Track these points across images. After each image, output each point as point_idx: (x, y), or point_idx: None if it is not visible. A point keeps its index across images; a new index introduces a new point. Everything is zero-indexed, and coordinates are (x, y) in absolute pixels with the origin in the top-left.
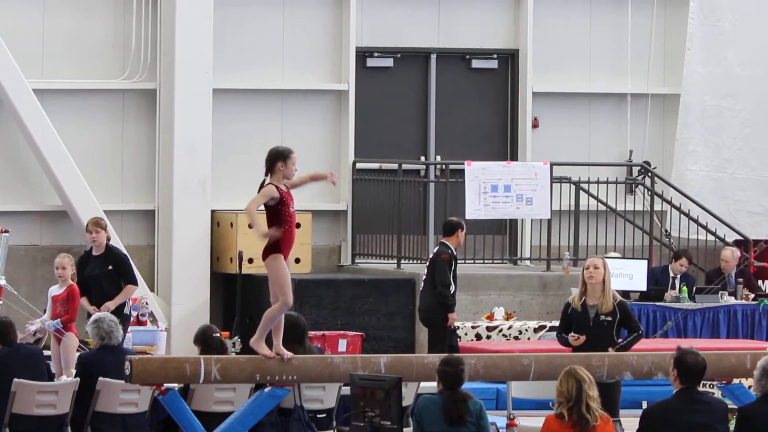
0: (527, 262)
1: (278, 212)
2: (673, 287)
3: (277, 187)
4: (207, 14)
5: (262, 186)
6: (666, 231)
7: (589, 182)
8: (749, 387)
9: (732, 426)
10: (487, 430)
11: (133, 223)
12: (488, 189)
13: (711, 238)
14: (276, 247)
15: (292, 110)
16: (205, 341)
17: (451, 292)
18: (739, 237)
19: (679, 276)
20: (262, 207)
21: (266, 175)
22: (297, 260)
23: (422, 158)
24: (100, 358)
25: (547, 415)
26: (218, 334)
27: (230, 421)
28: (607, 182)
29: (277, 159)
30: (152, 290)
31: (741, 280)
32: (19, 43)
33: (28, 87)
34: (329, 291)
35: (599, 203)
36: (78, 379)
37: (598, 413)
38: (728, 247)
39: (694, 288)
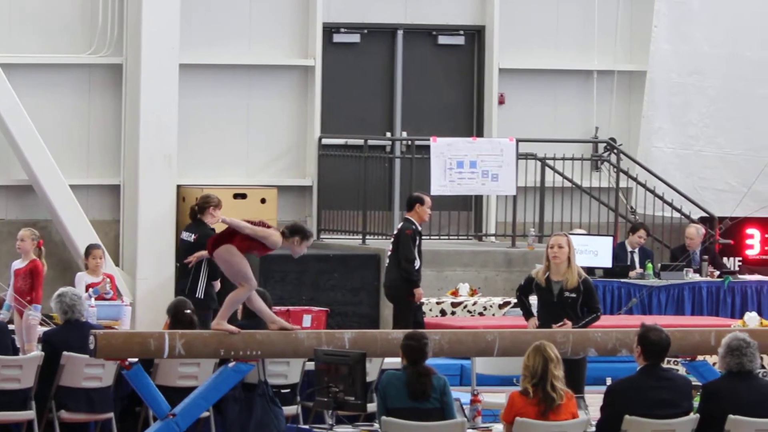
0: (492, 239)
1: (255, 246)
2: (631, 261)
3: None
4: None
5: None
6: (631, 208)
7: (554, 159)
8: (713, 364)
9: (696, 402)
10: (451, 405)
11: (98, 198)
12: (454, 165)
13: (676, 215)
14: (229, 239)
15: (258, 86)
16: (176, 315)
17: (416, 267)
18: (704, 214)
19: (637, 250)
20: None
21: (283, 231)
22: None
23: (388, 134)
24: (65, 333)
25: (512, 392)
26: (189, 312)
27: (194, 395)
28: (572, 159)
29: (299, 234)
30: (117, 265)
31: (706, 257)
32: None
33: None
34: (294, 266)
35: (565, 180)
36: (42, 353)
37: (562, 392)
38: (693, 225)
39: (658, 264)
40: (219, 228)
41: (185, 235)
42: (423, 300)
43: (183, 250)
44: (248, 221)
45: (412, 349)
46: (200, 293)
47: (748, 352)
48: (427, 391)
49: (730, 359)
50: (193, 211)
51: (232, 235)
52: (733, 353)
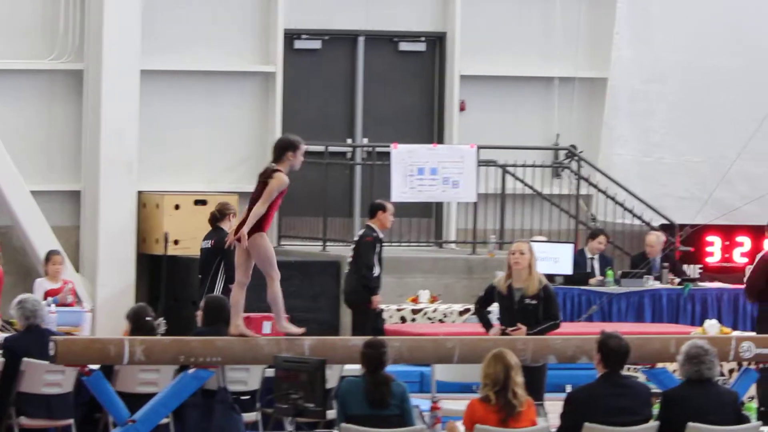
0: (453, 245)
1: (276, 200)
2: (591, 268)
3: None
4: None
5: (267, 173)
6: (592, 215)
7: (515, 166)
8: (673, 371)
9: (655, 410)
10: (411, 412)
11: (59, 204)
12: (414, 172)
13: (637, 222)
14: (261, 225)
15: (219, 92)
16: (137, 321)
17: (375, 274)
18: (665, 221)
19: (596, 256)
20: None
21: (273, 162)
22: None
23: (349, 141)
24: (26, 340)
25: (472, 399)
26: (150, 318)
27: (154, 402)
28: (533, 166)
29: (288, 149)
30: (77, 271)
31: (666, 264)
32: None
33: None
34: (254, 273)
35: (525, 187)
36: (2, 359)
37: (523, 399)
38: (653, 232)
39: (618, 271)
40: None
41: (204, 243)
42: (383, 307)
43: (202, 257)
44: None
45: (371, 357)
46: None
47: (707, 360)
48: (386, 398)
49: (689, 367)
50: (214, 218)
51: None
52: (692, 361)
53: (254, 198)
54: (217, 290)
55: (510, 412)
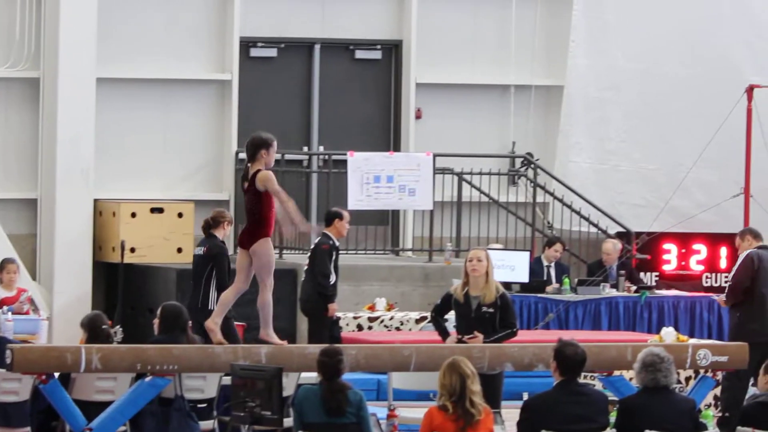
0: (409, 253)
1: (269, 198)
2: (548, 276)
3: None
4: (91, 3)
5: (248, 175)
6: (548, 223)
7: (471, 173)
8: (630, 379)
9: (612, 418)
10: (368, 420)
11: (15, 212)
12: (371, 180)
13: (593, 230)
14: (265, 231)
15: (175, 100)
16: (93, 330)
17: (332, 282)
18: (621, 229)
19: (553, 264)
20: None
21: (248, 162)
22: (179, 250)
23: (305, 148)
24: None
25: (430, 408)
26: (106, 326)
27: (111, 410)
28: (489, 173)
29: (261, 147)
30: (34, 279)
31: (623, 272)
32: None
33: None
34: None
35: (482, 194)
36: None
37: (481, 407)
38: (610, 240)
39: (574, 279)
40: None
41: (197, 251)
42: (339, 315)
43: (194, 264)
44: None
45: (326, 365)
46: (213, 305)
47: (663, 368)
48: (342, 406)
49: (645, 375)
50: (207, 225)
51: (258, 222)
52: (648, 369)
53: (249, 207)
54: (211, 298)
55: (468, 420)
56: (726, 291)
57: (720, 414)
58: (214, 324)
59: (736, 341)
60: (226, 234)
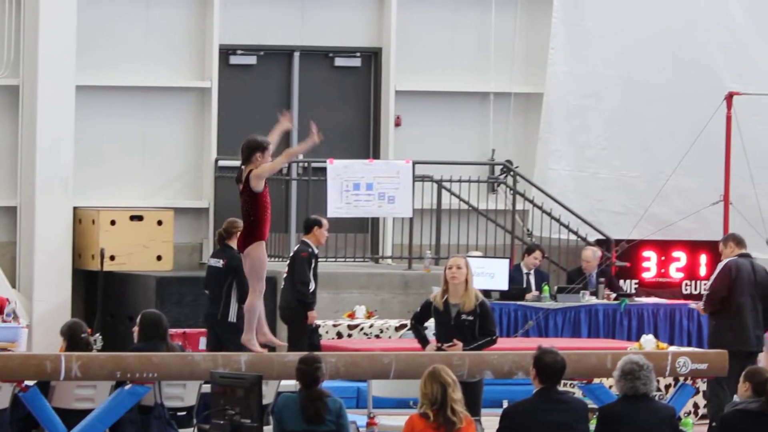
0: (389, 261)
1: (264, 199)
2: (527, 283)
3: None
4: (71, 11)
5: (241, 177)
6: (528, 230)
7: (451, 181)
8: (610, 387)
9: (592, 426)
10: (347, 428)
11: None
12: (350, 187)
13: (573, 237)
14: (259, 234)
15: (155, 107)
16: (72, 338)
17: (311, 290)
18: (600, 237)
19: (532, 272)
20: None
21: (242, 164)
22: (159, 257)
23: None
24: None
25: (411, 415)
26: (86, 334)
27: (90, 418)
28: (469, 181)
29: (257, 149)
30: (14, 287)
31: (602, 279)
32: None
33: None
34: (191, 289)
35: (461, 202)
36: None
37: (462, 415)
38: (589, 247)
39: (554, 287)
40: None
41: (213, 261)
42: (319, 322)
43: (211, 276)
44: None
45: (304, 373)
46: (233, 317)
47: (642, 375)
48: (321, 414)
49: (624, 383)
50: (221, 237)
51: (254, 224)
52: (627, 377)
53: (245, 209)
54: (231, 311)
55: (449, 429)
56: (704, 299)
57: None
58: (247, 339)
59: (714, 349)
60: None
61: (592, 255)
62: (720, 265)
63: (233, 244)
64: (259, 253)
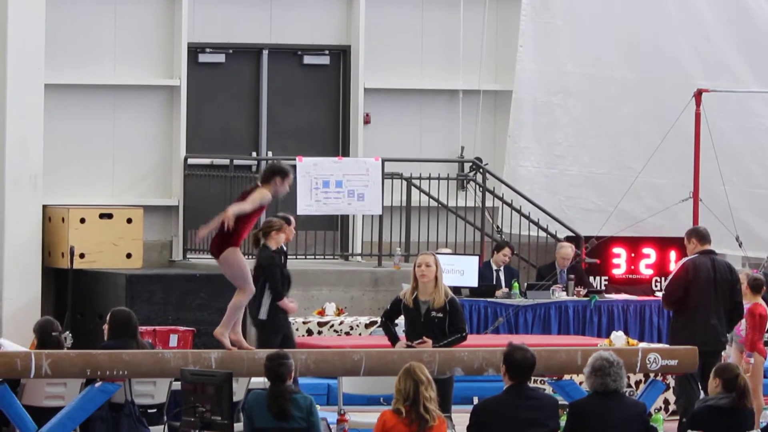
0: (358, 258)
1: (252, 215)
2: (497, 280)
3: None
4: (39, 9)
5: (250, 189)
6: (498, 227)
7: (420, 178)
8: (580, 383)
9: (563, 422)
10: (318, 425)
11: None
12: (320, 185)
13: (543, 234)
14: (232, 240)
15: (123, 106)
16: (42, 336)
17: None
18: (570, 233)
19: (502, 268)
20: None
21: (260, 182)
22: (128, 255)
23: (254, 154)
24: None
25: (384, 411)
26: (57, 333)
27: (61, 415)
28: (438, 178)
29: (278, 173)
30: None
31: (572, 276)
32: None
33: None
34: (160, 286)
35: (431, 199)
36: None
37: (435, 413)
38: (567, 244)
39: (524, 283)
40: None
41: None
42: (290, 319)
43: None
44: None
45: (268, 369)
46: (264, 314)
47: (612, 372)
48: (286, 410)
49: (594, 379)
50: (256, 238)
51: (230, 232)
52: (597, 373)
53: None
54: (263, 308)
55: (422, 426)
56: (662, 296)
57: (678, 419)
58: (221, 332)
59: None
60: (280, 242)
61: (571, 252)
62: (678, 264)
63: (271, 243)
64: (236, 257)
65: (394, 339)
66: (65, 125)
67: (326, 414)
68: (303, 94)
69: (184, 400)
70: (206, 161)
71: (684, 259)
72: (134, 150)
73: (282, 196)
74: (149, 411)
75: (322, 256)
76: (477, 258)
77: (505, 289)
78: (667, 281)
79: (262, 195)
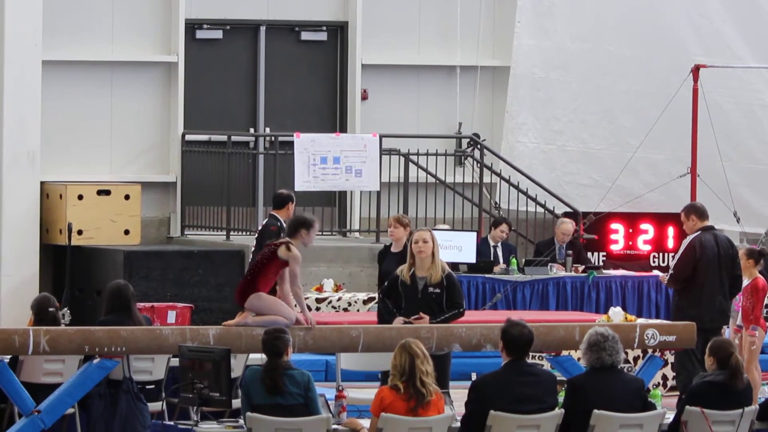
0: (356, 234)
1: (276, 269)
2: (495, 256)
3: None
4: None
5: (279, 243)
6: (495, 203)
7: (418, 154)
8: (578, 359)
9: (561, 398)
10: (316, 401)
11: None
12: (317, 161)
13: (540, 210)
14: (257, 287)
15: (121, 82)
16: (39, 313)
17: None
18: (568, 209)
19: (499, 244)
20: None
21: (288, 236)
22: (126, 232)
23: (251, 130)
24: None
25: (381, 387)
26: (54, 309)
27: (59, 392)
28: (436, 154)
29: (303, 226)
30: None
31: (570, 252)
32: None
33: None
34: (159, 262)
35: (429, 175)
36: None
37: (432, 388)
38: (568, 220)
39: (522, 259)
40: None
41: None
42: None
43: None
44: (271, 260)
45: (264, 343)
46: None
47: (608, 347)
48: (279, 385)
49: (590, 355)
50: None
51: (254, 278)
52: (593, 348)
53: (256, 262)
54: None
55: (420, 400)
56: (668, 276)
57: (678, 395)
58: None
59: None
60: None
61: (571, 228)
62: (684, 243)
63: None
64: (260, 302)
65: (391, 315)
66: (63, 102)
67: (324, 390)
68: (300, 71)
69: (183, 376)
70: (204, 137)
71: (689, 238)
72: (132, 126)
73: (309, 245)
74: (147, 387)
75: (320, 233)
76: (475, 234)
77: (502, 265)
78: (675, 260)
79: (296, 259)
